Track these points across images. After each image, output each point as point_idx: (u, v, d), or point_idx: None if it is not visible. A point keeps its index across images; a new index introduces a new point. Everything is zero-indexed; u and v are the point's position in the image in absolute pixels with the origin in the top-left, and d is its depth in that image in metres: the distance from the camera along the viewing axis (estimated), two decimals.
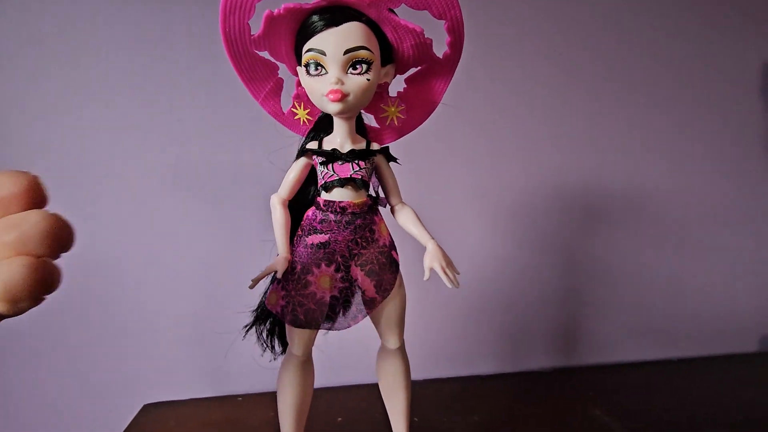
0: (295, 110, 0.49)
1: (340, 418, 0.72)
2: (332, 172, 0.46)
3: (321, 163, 0.46)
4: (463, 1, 0.42)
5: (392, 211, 0.50)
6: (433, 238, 0.48)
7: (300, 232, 0.48)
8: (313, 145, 0.48)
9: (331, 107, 0.43)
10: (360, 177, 0.46)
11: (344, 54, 0.42)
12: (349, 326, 0.47)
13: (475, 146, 0.86)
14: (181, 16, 0.75)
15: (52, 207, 0.23)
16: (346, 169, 0.46)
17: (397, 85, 0.50)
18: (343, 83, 0.42)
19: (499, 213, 0.88)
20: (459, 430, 0.69)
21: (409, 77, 0.50)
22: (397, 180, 0.50)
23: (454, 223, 0.87)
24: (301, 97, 0.48)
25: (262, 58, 0.47)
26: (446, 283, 0.45)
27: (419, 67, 0.49)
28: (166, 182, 0.78)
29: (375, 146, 0.48)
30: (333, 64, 0.42)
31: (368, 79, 0.43)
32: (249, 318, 0.52)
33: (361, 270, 0.47)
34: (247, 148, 0.78)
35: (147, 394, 0.79)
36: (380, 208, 0.51)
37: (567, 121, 0.88)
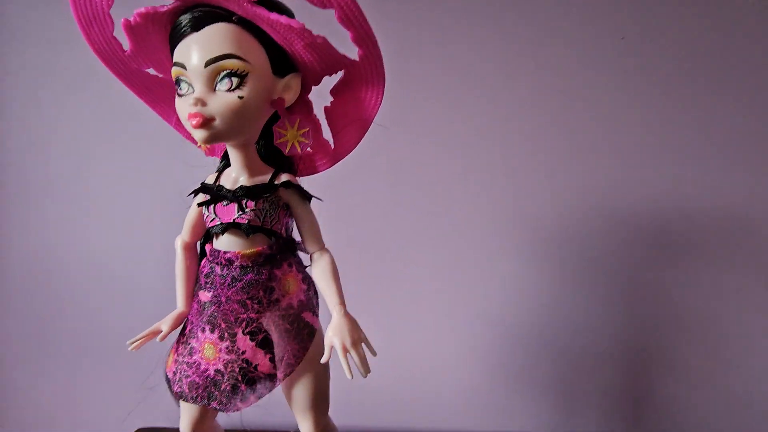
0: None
1: None
2: (213, 215, 0.36)
3: (202, 203, 0.37)
4: None
5: (310, 259, 0.39)
6: (342, 303, 0.36)
7: (196, 285, 0.40)
8: (210, 178, 0.39)
9: (195, 134, 0.34)
10: (246, 221, 0.36)
11: (205, 66, 0.32)
12: (238, 409, 0.37)
13: (512, 160, 0.69)
14: None
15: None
16: (230, 212, 0.36)
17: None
18: (204, 104, 0.32)
19: (541, 241, 0.70)
20: None
21: (333, 88, 0.38)
22: (316, 220, 0.39)
23: (487, 253, 0.71)
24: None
25: (155, 77, 0.40)
26: (345, 371, 0.33)
27: (340, 76, 0.37)
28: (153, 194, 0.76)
29: (283, 178, 0.37)
30: (196, 79, 0.33)
31: (240, 97, 0.32)
32: None
33: (251, 340, 0.37)
34: None
35: (142, 418, 0.79)
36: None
37: (631, 129, 0.67)
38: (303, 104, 0.39)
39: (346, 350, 0.33)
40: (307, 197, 0.38)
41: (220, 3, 0.31)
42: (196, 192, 0.39)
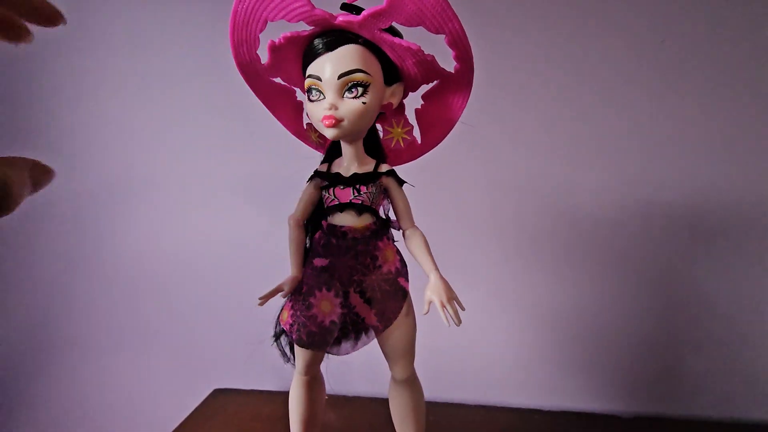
0: (308, 132, 0.50)
1: None
2: (333, 197, 0.45)
3: (323, 188, 0.46)
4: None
5: (403, 235, 0.48)
6: (437, 269, 0.44)
7: (310, 253, 0.49)
8: (323, 167, 0.48)
9: (327, 132, 0.43)
10: (360, 202, 0.45)
11: (338, 78, 0.41)
12: (348, 353, 0.46)
13: (545, 146, 0.76)
14: None
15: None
16: (347, 194, 0.45)
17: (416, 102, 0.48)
18: (336, 108, 0.41)
19: (576, 231, 0.78)
20: None
21: (425, 94, 0.47)
22: (409, 203, 0.48)
23: (532, 248, 0.79)
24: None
25: (279, 84, 0.49)
26: (444, 320, 0.41)
27: (433, 84, 0.45)
28: (237, 192, 0.86)
29: (384, 168, 0.46)
30: (329, 89, 0.41)
31: (364, 103, 0.41)
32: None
33: (361, 297, 0.46)
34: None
35: (220, 380, 0.89)
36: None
37: (661, 119, 0.74)
38: (400, 106, 0.47)
39: (443, 305, 0.42)
40: (401, 183, 0.47)
41: (353, 29, 0.40)
42: (311, 178, 0.48)
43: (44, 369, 0.95)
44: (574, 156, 0.76)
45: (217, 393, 0.87)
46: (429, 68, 0.42)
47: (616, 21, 0.73)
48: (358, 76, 0.40)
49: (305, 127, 0.51)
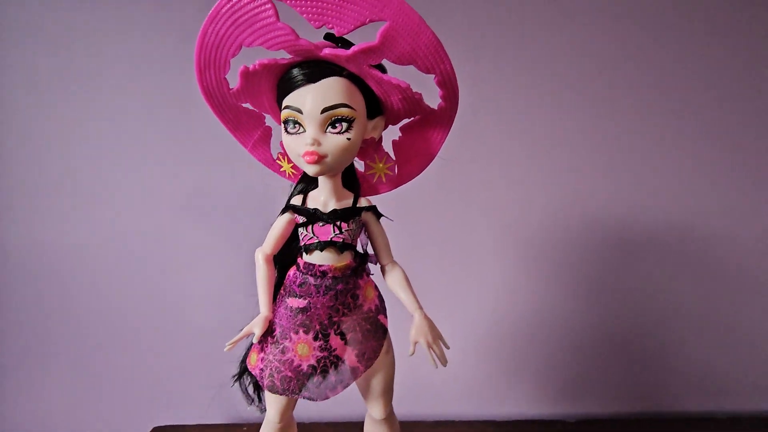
0: (279, 162, 0.47)
1: None
2: (312, 234, 0.43)
3: (300, 225, 0.43)
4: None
5: (382, 270, 0.47)
6: (420, 308, 0.43)
7: (282, 292, 0.45)
8: (297, 200, 0.45)
9: (309, 169, 0.40)
10: (341, 240, 0.42)
11: (321, 113, 0.38)
12: (327, 397, 0.44)
13: (500, 171, 0.79)
14: None
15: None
16: (327, 231, 0.42)
17: (393, 133, 0.47)
18: (319, 144, 0.39)
19: (531, 247, 0.81)
20: None
21: (404, 126, 0.46)
22: (387, 237, 0.46)
23: (480, 258, 0.81)
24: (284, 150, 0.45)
25: (246, 109, 0.45)
26: (430, 361, 0.41)
27: (413, 118, 0.45)
28: (187, 207, 0.78)
29: (363, 202, 0.44)
30: (310, 122, 0.39)
31: (348, 139, 0.39)
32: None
33: (341, 339, 0.43)
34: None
35: (157, 417, 0.81)
36: (371, 265, 0.47)
37: (601, 146, 0.79)
38: (378, 139, 0.46)
39: (430, 346, 0.41)
40: (379, 216, 0.45)
41: (340, 62, 0.38)
42: (283, 211, 0.45)
43: None
44: (524, 173, 0.79)
45: (157, 431, 0.79)
46: (414, 104, 0.41)
47: (577, 53, 0.77)
48: (343, 110, 0.38)
49: (276, 156, 0.47)
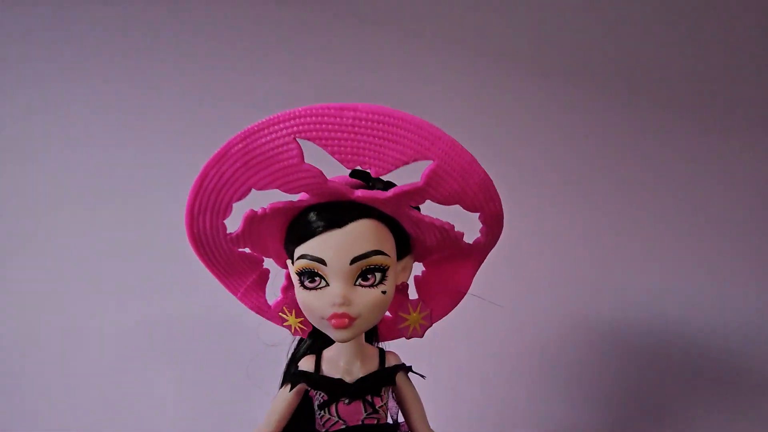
0: (284, 316, 0.37)
1: None
2: (337, 418, 0.33)
3: (320, 405, 0.33)
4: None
5: None
6: None
7: None
8: (308, 364, 0.36)
9: (336, 335, 0.32)
10: (375, 422, 0.33)
11: (351, 263, 0.31)
12: None
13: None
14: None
15: None
16: (356, 411, 0.33)
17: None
18: (350, 303, 0.31)
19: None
20: None
21: (429, 260, 0.40)
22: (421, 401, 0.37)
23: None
24: (291, 302, 0.37)
25: (242, 253, 0.36)
26: None
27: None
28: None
29: (391, 361, 0.36)
30: (336, 276, 0.31)
31: (384, 292, 0.32)
32: None
33: None
34: None
35: None
36: None
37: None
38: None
39: None
40: (416, 374, 0.37)
41: (377, 205, 0.32)
42: (293, 382, 0.35)
43: None
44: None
45: None
46: (451, 242, 0.35)
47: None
48: (377, 259, 0.31)
49: (275, 305, 0.38)
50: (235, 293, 0.39)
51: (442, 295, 0.40)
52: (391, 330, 0.40)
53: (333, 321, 0.31)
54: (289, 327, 0.38)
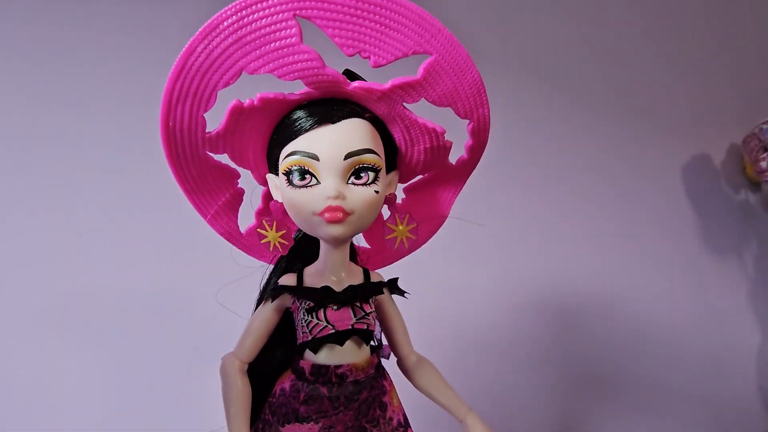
0: (263, 231, 0.35)
1: None
2: (325, 323, 0.31)
3: (307, 310, 0.31)
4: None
5: (403, 365, 0.36)
6: (469, 408, 0.33)
7: (268, 416, 0.31)
8: (289, 279, 0.33)
9: (329, 230, 0.30)
10: (365, 327, 0.32)
11: (345, 158, 0.30)
12: None
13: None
14: None
15: None
16: (345, 317, 0.31)
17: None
18: (344, 197, 0.30)
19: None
20: None
21: (408, 187, 0.39)
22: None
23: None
24: (273, 214, 0.34)
25: (216, 163, 0.34)
26: None
27: (423, 176, 0.39)
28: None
29: (375, 276, 0.35)
30: (329, 172, 0.30)
31: (376, 191, 0.31)
32: None
33: None
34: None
35: None
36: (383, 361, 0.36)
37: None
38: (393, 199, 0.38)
39: None
40: (400, 293, 0.36)
41: (368, 102, 0.31)
42: (275, 295, 0.33)
43: None
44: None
45: None
46: (438, 156, 0.36)
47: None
48: (371, 157, 0.31)
49: (255, 224, 0.36)
50: (204, 215, 0.36)
51: (424, 221, 0.40)
52: (378, 248, 0.39)
53: (327, 215, 0.29)
54: (267, 245, 0.35)
